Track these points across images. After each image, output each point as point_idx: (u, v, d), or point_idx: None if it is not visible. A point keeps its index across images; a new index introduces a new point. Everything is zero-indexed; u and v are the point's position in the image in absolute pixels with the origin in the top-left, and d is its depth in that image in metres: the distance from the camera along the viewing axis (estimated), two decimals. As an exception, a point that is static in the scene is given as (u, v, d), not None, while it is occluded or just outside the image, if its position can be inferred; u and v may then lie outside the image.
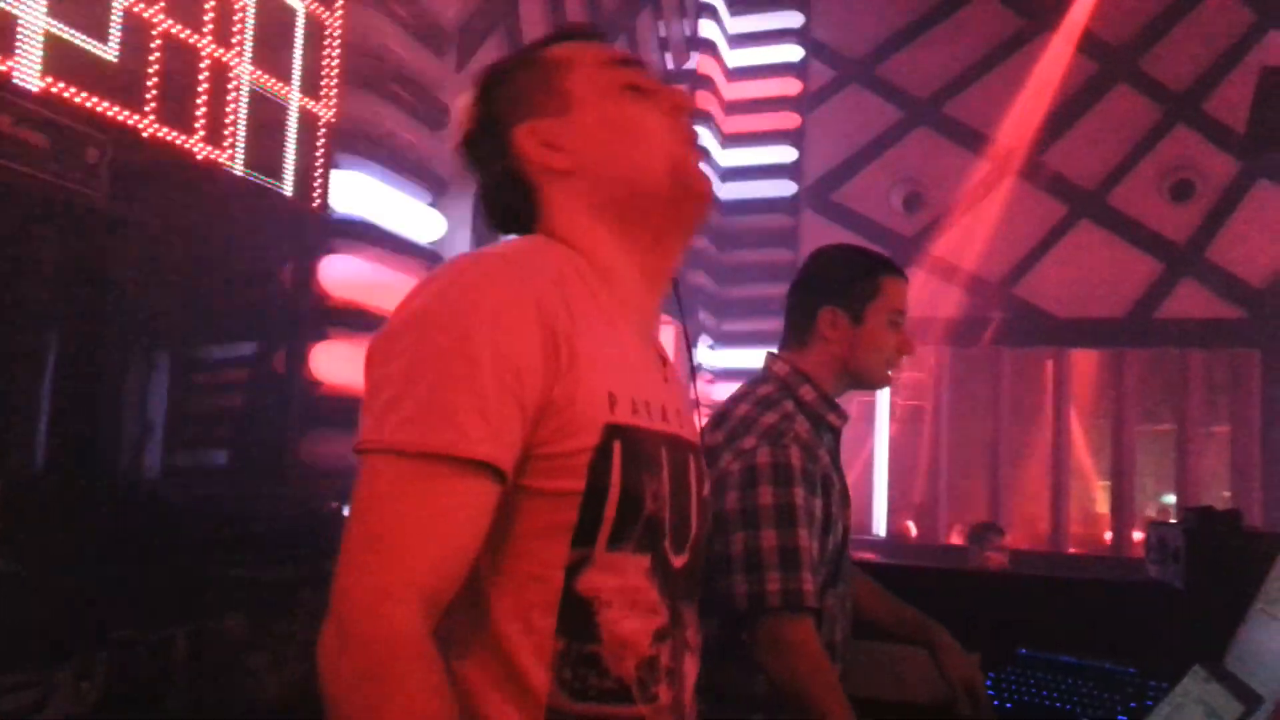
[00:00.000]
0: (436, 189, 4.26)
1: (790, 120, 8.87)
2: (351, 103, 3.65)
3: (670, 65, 8.19)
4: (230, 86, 3.11)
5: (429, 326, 0.91)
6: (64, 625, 2.51)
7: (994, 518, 7.92)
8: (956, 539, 8.57)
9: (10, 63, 2.43)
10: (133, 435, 2.89)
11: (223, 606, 2.81)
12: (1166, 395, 8.80)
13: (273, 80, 3.26)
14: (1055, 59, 8.30)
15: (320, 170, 3.48)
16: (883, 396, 8.67)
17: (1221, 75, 7.96)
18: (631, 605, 0.98)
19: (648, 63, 1.15)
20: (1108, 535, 8.74)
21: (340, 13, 3.57)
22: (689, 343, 1.23)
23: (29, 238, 2.60)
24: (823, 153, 8.83)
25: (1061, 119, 8.38)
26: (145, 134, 2.80)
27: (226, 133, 3.09)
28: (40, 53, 2.47)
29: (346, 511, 0.91)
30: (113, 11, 2.67)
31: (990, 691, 1.84)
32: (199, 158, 2.98)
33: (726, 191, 8.67)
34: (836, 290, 1.74)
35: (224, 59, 3.07)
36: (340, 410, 3.48)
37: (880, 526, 8.74)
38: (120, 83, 2.68)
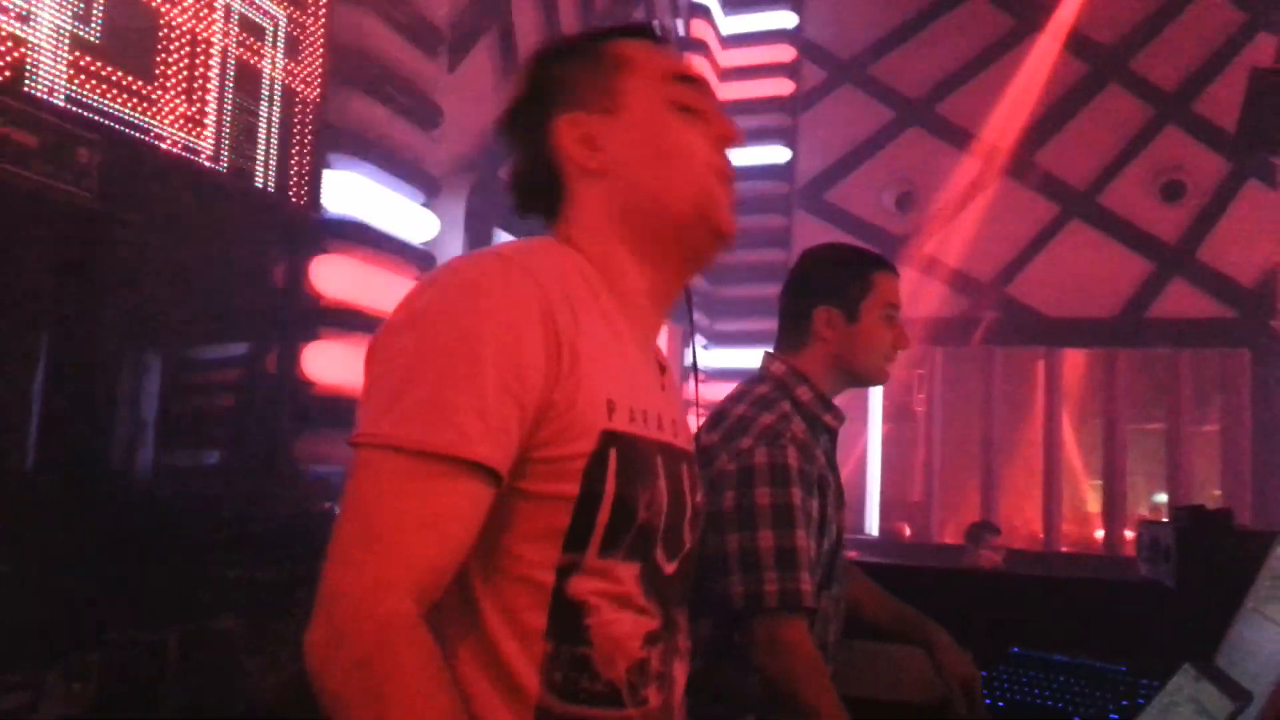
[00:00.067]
0: (429, 190, 4.25)
1: (783, 120, 8.88)
2: (343, 103, 3.64)
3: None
4: (220, 84, 3.10)
5: (432, 323, 0.91)
6: (56, 626, 2.50)
7: (985, 517, 7.94)
8: (947, 538, 8.59)
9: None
10: (125, 435, 2.88)
11: (217, 607, 2.81)
12: (1157, 394, 8.83)
13: (263, 79, 3.26)
14: (1046, 59, 8.32)
15: (312, 170, 3.48)
16: (875, 396, 8.68)
17: (1212, 76, 7.99)
18: (622, 609, 0.98)
19: (702, 82, 1.13)
20: (1099, 534, 8.77)
21: (324, 14, 3.57)
22: (693, 346, 1.23)
23: (19, 238, 2.59)
24: (815, 153, 8.85)
25: (1053, 119, 8.41)
26: (136, 134, 2.79)
27: (217, 133, 3.08)
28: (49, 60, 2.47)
29: (338, 508, 0.90)
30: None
31: (982, 690, 1.85)
32: (190, 159, 2.97)
33: (719, 191, 8.65)
34: (830, 290, 1.75)
35: (212, 55, 3.06)
36: (334, 410, 3.48)
37: (873, 526, 8.75)
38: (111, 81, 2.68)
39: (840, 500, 1.75)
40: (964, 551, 6.09)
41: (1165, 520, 2.53)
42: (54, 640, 2.47)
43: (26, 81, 2.48)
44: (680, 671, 1.07)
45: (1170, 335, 8.13)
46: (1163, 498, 8.78)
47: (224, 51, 3.10)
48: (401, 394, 0.89)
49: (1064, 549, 8.41)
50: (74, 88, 2.59)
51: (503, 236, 5.32)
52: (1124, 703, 1.79)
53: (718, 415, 1.72)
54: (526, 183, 1.11)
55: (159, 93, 2.84)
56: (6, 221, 2.53)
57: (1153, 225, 8.16)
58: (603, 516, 0.95)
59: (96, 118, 2.65)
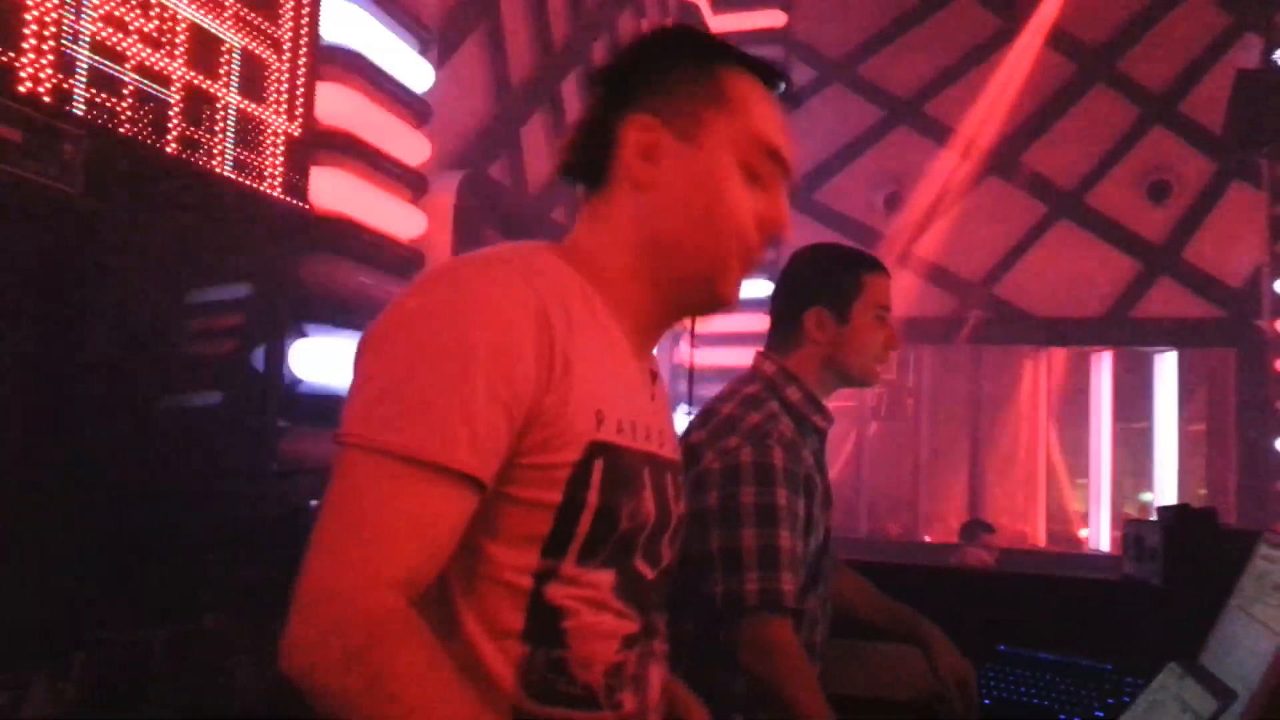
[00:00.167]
0: (417, 187, 4.24)
1: (772, 119, 8.88)
2: (331, 99, 3.63)
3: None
4: (207, 80, 3.09)
5: (425, 325, 0.90)
6: (41, 626, 2.48)
7: (972, 514, 7.97)
8: (934, 536, 8.62)
9: (-15, 57, 2.41)
10: (111, 433, 2.87)
11: (204, 606, 2.79)
12: (1143, 393, 8.88)
13: (251, 75, 3.24)
14: (1034, 60, 8.35)
15: (300, 167, 3.46)
16: (864, 395, 8.70)
17: (1198, 77, 8.04)
18: (600, 612, 0.98)
19: (789, 165, 1.08)
20: (1084, 532, 8.82)
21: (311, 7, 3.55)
22: (690, 352, 1.22)
23: (3, 234, 2.58)
24: (804, 152, 8.83)
25: (1041, 119, 8.45)
26: (122, 129, 2.77)
27: (204, 129, 3.07)
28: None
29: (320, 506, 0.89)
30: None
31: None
32: (176, 153, 2.96)
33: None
34: (821, 291, 1.75)
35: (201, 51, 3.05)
36: (321, 408, 3.46)
37: (860, 524, 8.78)
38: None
39: (828, 501, 1.75)
40: (953, 549, 6.12)
41: (1151, 519, 2.54)
42: (38, 640, 2.46)
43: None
44: (657, 675, 1.07)
45: (1156, 335, 8.17)
46: (1148, 496, 8.83)
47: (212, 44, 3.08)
48: (390, 395, 0.88)
49: (1050, 547, 8.45)
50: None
51: (491, 234, 5.31)
52: (1109, 700, 1.80)
53: (705, 414, 1.72)
54: (578, 152, 1.07)
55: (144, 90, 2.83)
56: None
57: (1139, 225, 8.20)
58: (583, 526, 0.95)
59: (79, 112, 2.64)
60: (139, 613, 2.69)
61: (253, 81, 3.26)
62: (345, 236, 3.73)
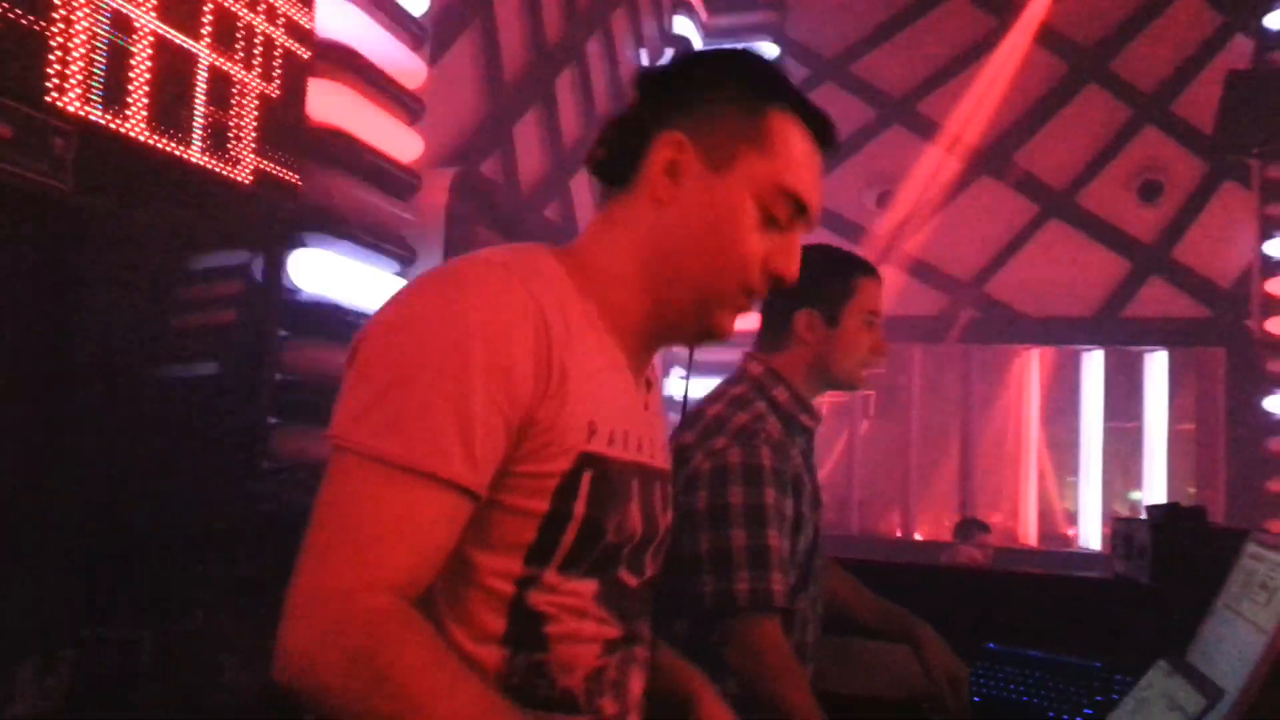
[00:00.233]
0: (409, 186, 4.23)
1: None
2: (321, 95, 3.62)
3: (645, 62, 8.19)
4: (196, 77, 3.08)
5: (423, 329, 0.89)
6: (29, 622, 2.47)
7: (960, 513, 8.00)
8: (924, 534, 8.65)
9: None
10: (100, 429, 2.86)
11: (193, 604, 2.79)
12: (1133, 392, 8.91)
13: (240, 72, 3.23)
14: (1026, 59, 8.37)
15: (291, 164, 3.45)
16: (855, 393, 8.72)
17: (1189, 77, 8.06)
18: (581, 620, 0.98)
19: (812, 215, 1.07)
20: (1074, 531, 8.85)
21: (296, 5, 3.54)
22: (690, 354, 1.20)
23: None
24: (797, 150, 8.85)
25: (1032, 118, 8.47)
26: (112, 125, 2.76)
27: (195, 125, 3.05)
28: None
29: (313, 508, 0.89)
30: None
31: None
32: (167, 150, 2.95)
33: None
34: (812, 293, 1.75)
35: (190, 50, 3.03)
36: (313, 406, 3.45)
37: (852, 522, 8.79)
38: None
39: (817, 500, 1.76)
40: (945, 548, 6.13)
41: (1140, 517, 2.56)
42: (27, 637, 2.45)
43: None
44: (637, 681, 1.07)
45: (1146, 334, 8.20)
46: (1138, 495, 8.87)
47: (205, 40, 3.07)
48: (387, 401, 0.87)
49: (1039, 545, 8.48)
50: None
51: (483, 232, 5.30)
52: (1098, 698, 1.80)
53: (693, 415, 1.72)
54: (609, 150, 1.07)
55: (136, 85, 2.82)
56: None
57: (1130, 225, 8.23)
58: (568, 536, 0.95)
59: (71, 108, 2.62)
60: (128, 610, 2.68)
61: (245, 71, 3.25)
62: (338, 226, 3.72)
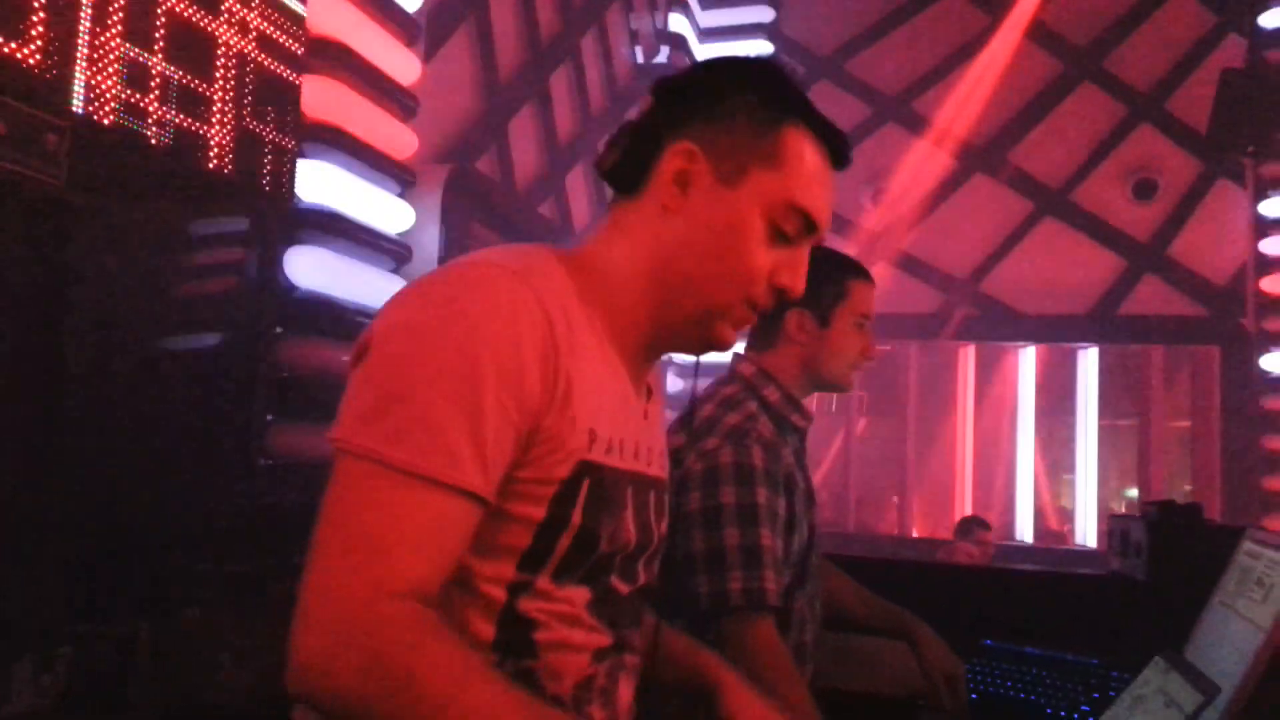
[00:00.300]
0: (405, 180, 4.22)
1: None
2: (316, 92, 3.61)
3: (640, 59, 8.18)
4: (190, 73, 3.06)
5: (433, 333, 0.88)
6: (24, 619, 2.47)
7: (956, 510, 8.01)
8: (919, 531, 8.66)
9: (-32, 46, 2.38)
10: (95, 426, 2.85)
11: (188, 600, 2.78)
12: (1129, 390, 8.93)
13: (235, 68, 3.22)
14: (1021, 57, 8.37)
15: (286, 159, 3.44)
16: (852, 392, 8.72)
17: (1184, 76, 8.08)
18: (572, 626, 0.98)
19: (821, 232, 1.08)
20: (1070, 528, 8.87)
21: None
22: (696, 361, 1.19)
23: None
24: (793, 148, 8.85)
25: (1027, 116, 8.48)
26: (106, 120, 2.75)
27: (190, 121, 3.04)
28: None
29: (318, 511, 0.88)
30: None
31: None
32: (161, 144, 2.93)
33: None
34: (805, 293, 1.75)
35: (186, 45, 3.03)
36: (310, 403, 3.45)
37: (848, 519, 8.81)
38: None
39: (810, 499, 1.76)
40: (942, 545, 6.13)
41: (1136, 515, 2.56)
42: (23, 634, 2.44)
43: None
44: (627, 688, 1.07)
45: (1141, 332, 8.22)
46: (1134, 493, 8.89)
47: (202, 38, 3.06)
48: (395, 405, 0.86)
49: (1035, 543, 8.50)
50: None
51: (479, 229, 5.29)
52: (1095, 695, 1.80)
53: (685, 416, 1.72)
54: (619, 156, 1.05)
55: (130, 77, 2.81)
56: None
57: (1125, 223, 8.24)
58: (563, 544, 0.95)
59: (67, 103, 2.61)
60: (125, 607, 2.67)
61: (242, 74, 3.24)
62: (335, 228, 3.71)
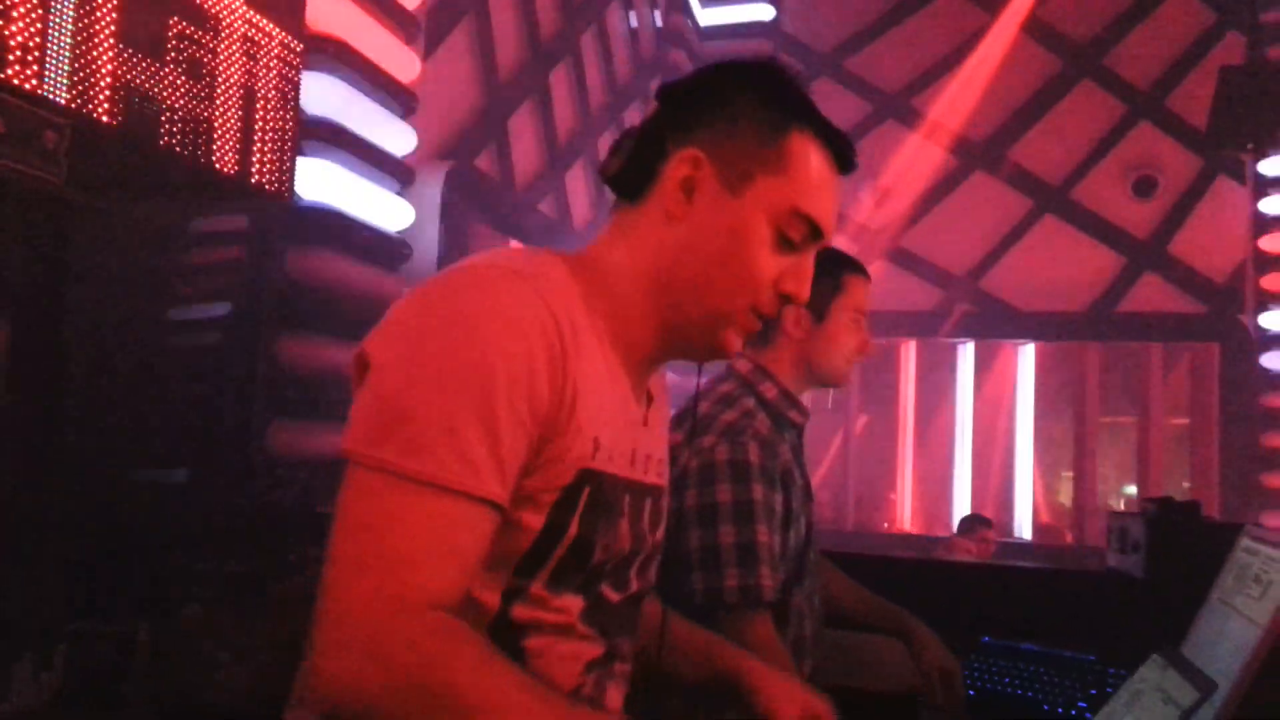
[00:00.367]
0: (404, 178, 4.22)
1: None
2: (317, 89, 3.61)
3: (640, 57, 8.17)
4: (189, 70, 3.06)
5: (444, 340, 0.87)
6: (23, 617, 2.47)
7: (950, 507, 8.02)
8: (917, 528, 8.66)
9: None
10: (94, 424, 2.85)
11: (186, 599, 2.78)
12: (1128, 388, 8.94)
13: (233, 65, 3.22)
14: (1020, 54, 8.37)
15: (286, 157, 3.44)
16: (850, 388, 8.73)
17: (1184, 74, 8.08)
18: (562, 635, 0.98)
19: (826, 238, 1.06)
20: (1069, 525, 8.87)
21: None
22: (699, 370, 1.18)
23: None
24: (792, 145, 8.84)
25: (1027, 114, 8.48)
26: (105, 118, 2.75)
27: (187, 119, 3.04)
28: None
29: (330, 520, 0.87)
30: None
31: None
32: (161, 144, 2.93)
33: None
34: None
35: (182, 43, 3.02)
36: (306, 401, 3.45)
37: (847, 517, 8.81)
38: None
39: (808, 495, 1.76)
40: (939, 542, 6.13)
41: (1135, 512, 2.56)
42: (22, 632, 2.45)
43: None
44: (615, 695, 1.06)
45: (1141, 329, 8.22)
46: (1132, 489, 8.89)
47: (201, 39, 3.06)
48: (409, 414, 0.85)
49: (1034, 539, 8.50)
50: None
51: (478, 226, 5.29)
52: (1093, 692, 1.80)
53: (682, 414, 1.72)
54: (623, 161, 1.03)
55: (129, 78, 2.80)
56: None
57: (1125, 220, 8.24)
58: (559, 551, 0.94)
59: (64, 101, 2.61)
60: (123, 605, 2.67)
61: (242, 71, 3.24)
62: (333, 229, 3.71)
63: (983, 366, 8.89)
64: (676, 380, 1.39)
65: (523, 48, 6.23)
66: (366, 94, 3.94)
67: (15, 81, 2.49)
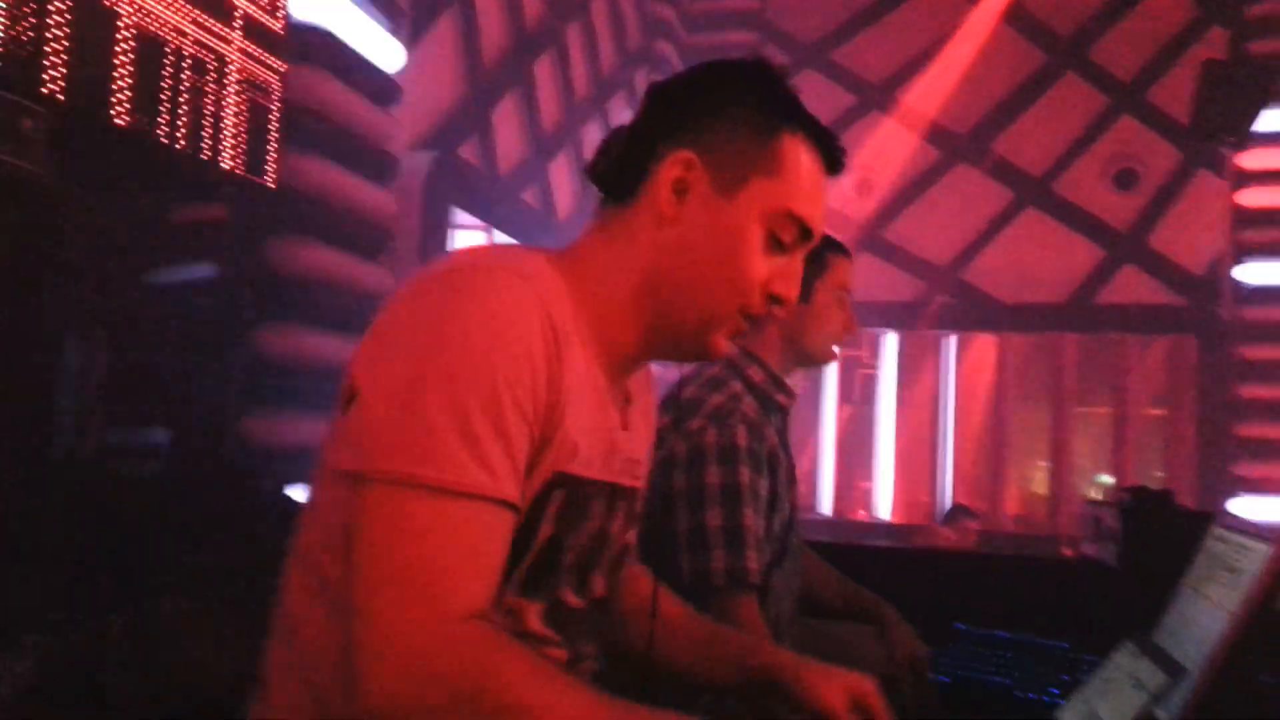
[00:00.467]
0: (387, 167, 4.21)
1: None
2: (300, 78, 3.58)
3: (625, 48, 8.15)
4: (173, 59, 3.04)
5: (445, 344, 0.86)
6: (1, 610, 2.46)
7: (936, 497, 8.06)
8: (898, 518, 8.71)
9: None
10: (69, 413, 2.83)
11: (162, 590, 2.77)
12: (1105, 379, 9.00)
13: (217, 55, 3.20)
14: (1004, 47, 8.39)
15: (268, 147, 3.42)
16: (831, 379, 8.76)
17: (1166, 67, 8.11)
18: (524, 641, 0.96)
19: (817, 239, 1.05)
20: (1045, 514, 8.94)
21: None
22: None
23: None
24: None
25: (1010, 106, 8.50)
26: (84, 106, 2.72)
27: (170, 106, 3.02)
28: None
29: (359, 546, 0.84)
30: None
31: (929, 668, 1.87)
32: (140, 131, 2.91)
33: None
34: None
35: (163, 31, 3.00)
36: (282, 389, 3.43)
37: (826, 506, 8.85)
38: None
39: (792, 478, 1.77)
40: (919, 531, 6.18)
41: (1109, 501, 2.59)
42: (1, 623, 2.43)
43: None
44: None
45: (1119, 321, 8.28)
46: (1108, 479, 8.97)
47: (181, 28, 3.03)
48: (417, 422, 0.83)
49: (1011, 528, 8.57)
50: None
51: (461, 216, 5.28)
52: (1065, 678, 1.82)
53: (669, 398, 1.73)
54: (612, 162, 1.02)
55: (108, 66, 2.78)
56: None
57: (1105, 213, 8.29)
58: (529, 555, 0.94)
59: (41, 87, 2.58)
60: (97, 595, 2.66)
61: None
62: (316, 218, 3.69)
63: (962, 357, 8.94)
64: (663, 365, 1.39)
65: (507, 37, 6.20)
66: (349, 83, 3.92)
67: (-10, 67, 2.47)
